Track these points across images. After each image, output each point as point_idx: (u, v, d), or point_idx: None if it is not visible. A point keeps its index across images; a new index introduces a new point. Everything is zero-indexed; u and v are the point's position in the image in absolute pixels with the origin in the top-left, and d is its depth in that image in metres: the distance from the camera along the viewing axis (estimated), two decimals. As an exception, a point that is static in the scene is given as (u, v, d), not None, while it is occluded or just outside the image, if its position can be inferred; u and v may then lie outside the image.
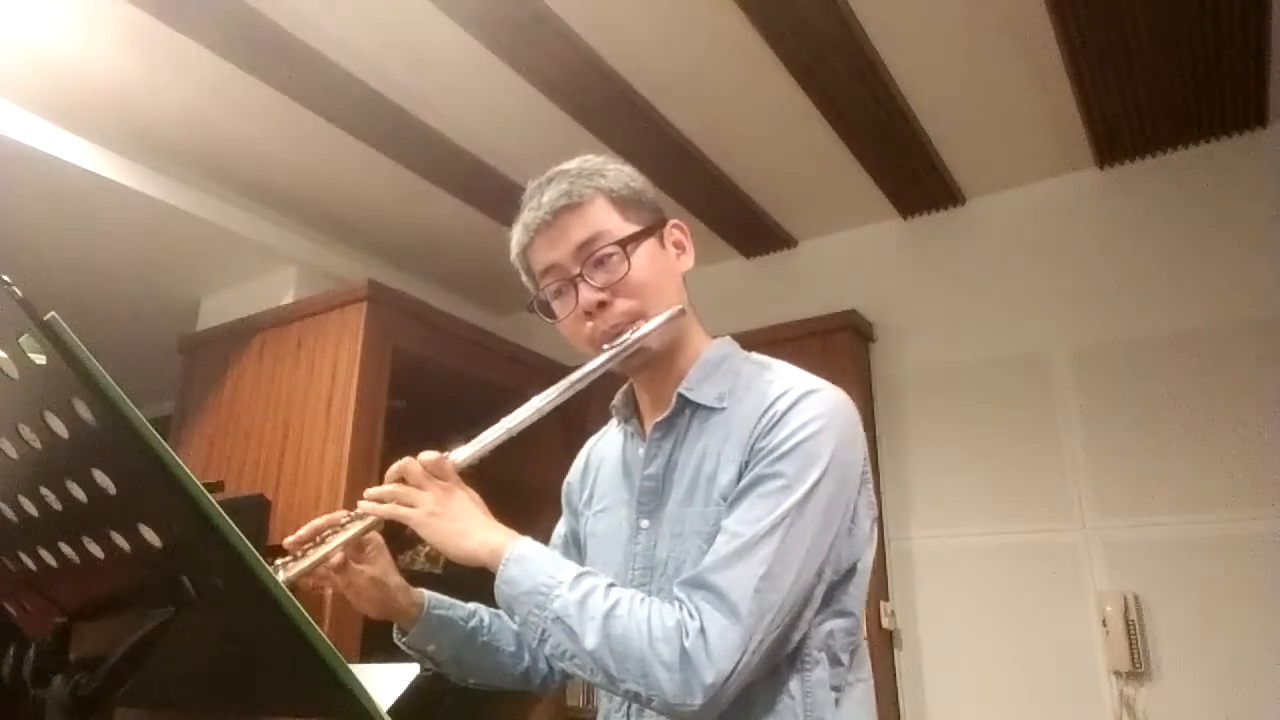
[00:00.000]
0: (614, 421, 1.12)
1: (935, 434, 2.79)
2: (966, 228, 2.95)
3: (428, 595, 1.07)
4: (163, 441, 0.50)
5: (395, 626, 1.07)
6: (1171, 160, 2.63)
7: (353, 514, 0.94)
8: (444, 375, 2.72)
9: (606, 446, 1.14)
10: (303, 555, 0.92)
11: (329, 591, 2.20)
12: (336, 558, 0.95)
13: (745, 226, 3.14)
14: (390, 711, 0.78)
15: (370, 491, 0.94)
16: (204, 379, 2.84)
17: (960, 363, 2.81)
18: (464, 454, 0.95)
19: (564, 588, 0.84)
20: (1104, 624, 2.34)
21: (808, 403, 0.91)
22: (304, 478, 2.37)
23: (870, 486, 0.97)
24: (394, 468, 0.94)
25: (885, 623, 2.63)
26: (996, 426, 2.69)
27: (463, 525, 0.91)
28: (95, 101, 2.35)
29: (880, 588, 2.68)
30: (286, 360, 2.60)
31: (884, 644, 2.63)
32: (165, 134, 2.52)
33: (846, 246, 3.18)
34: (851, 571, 0.93)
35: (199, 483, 0.50)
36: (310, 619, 0.52)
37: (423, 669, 1.00)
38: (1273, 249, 2.40)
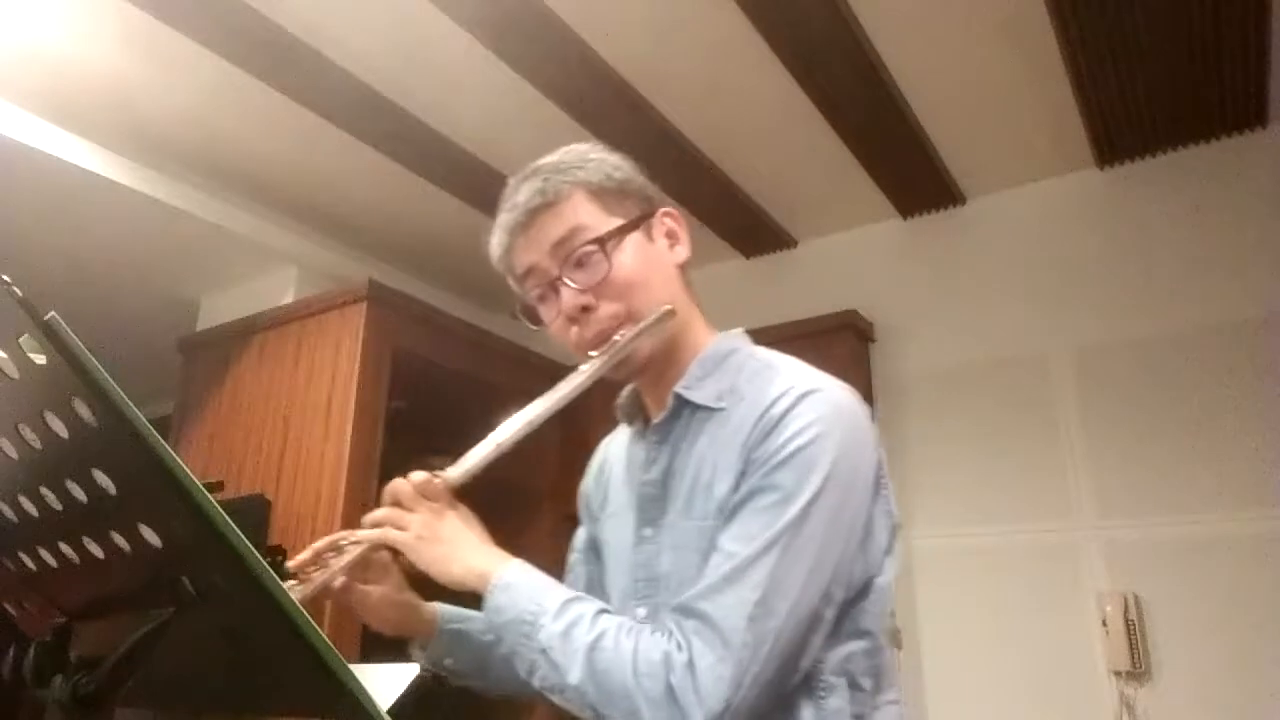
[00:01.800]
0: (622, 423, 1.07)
1: (935, 434, 2.79)
2: (966, 228, 2.95)
3: (441, 609, 1.04)
4: (163, 441, 0.49)
5: (412, 643, 1.04)
6: (1171, 160, 2.63)
7: (352, 536, 0.93)
8: (444, 376, 2.72)
9: (618, 447, 1.08)
10: (306, 578, 0.90)
11: (329, 591, 2.20)
12: (339, 581, 0.93)
13: (745, 226, 3.14)
14: (390, 711, 0.78)
15: (368, 517, 0.92)
16: (204, 379, 2.84)
17: (960, 363, 2.81)
18: (455, 472, 0.92)
19: (549, 617, 0.79)
20: (1104, 624, 2.34)
21: (807, 404, 0.82)
22: (304, 478, 2.37)
23: (889, 493, 0.88)
24: (387, 489, 0.91)
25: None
26: (997, 426, 2.69)
27: (450, 550, 0.87)
28: (95, 101, 2.35)
29: (880, 588, 2.68)
30: (286, 360, 2.60)
31: (884, 644, 2.63)
32: (165, 134, 2.52)
33: (846, 246, 3.18)
34: (868, 589, 0.84)
35: (199, 483, 0.50)
36: (310, 619, 0.52)
37: (430, 676, 1.00)
38: (1273, 249, 2.40)
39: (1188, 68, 2.23)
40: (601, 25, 2.13)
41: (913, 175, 2.79)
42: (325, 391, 2.44)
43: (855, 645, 0.83)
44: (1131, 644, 2.29)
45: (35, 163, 2.37)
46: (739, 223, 3.11)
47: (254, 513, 2.32)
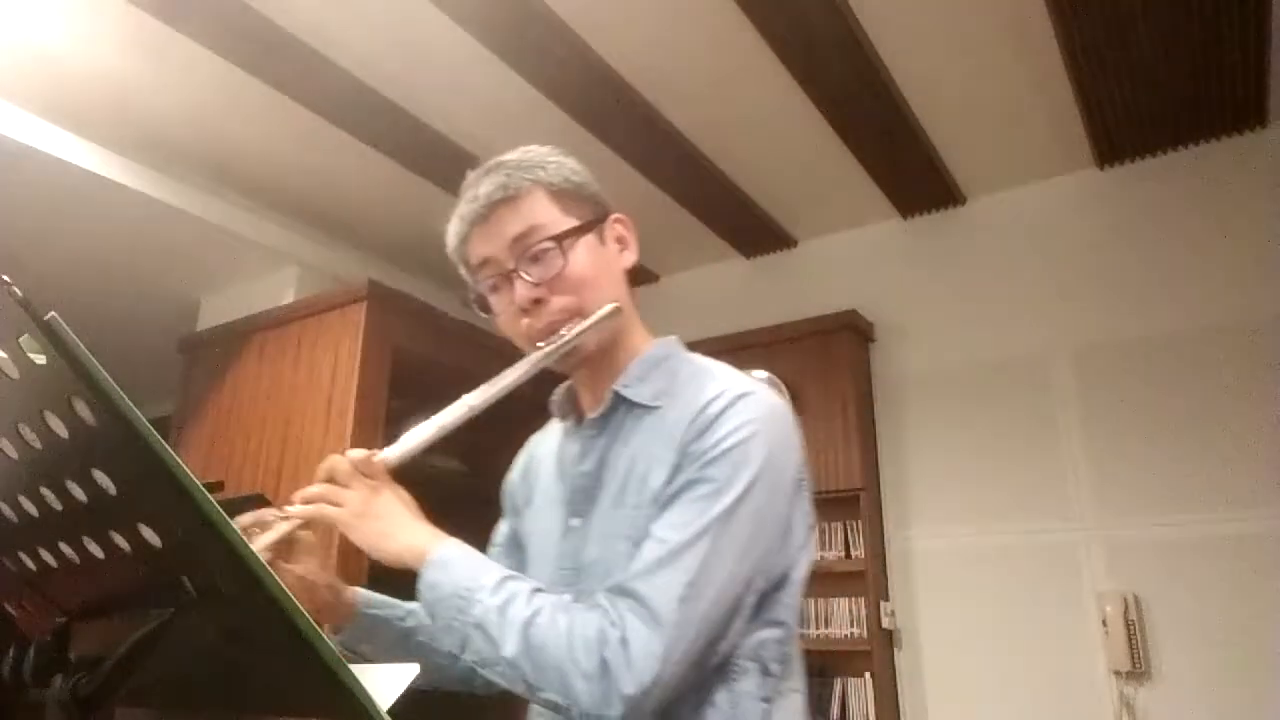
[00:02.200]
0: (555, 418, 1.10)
1: (935, 434, 2.79)
2: (966, 228, 2.95)
3: (362, 594, 1.05)
4: (163, 441, 0.49)
5: (328, 627, 1.03)
6: (1171, 160, 2.63)
7: (280, 514, 0.91)
8: (444, 375, 2.72)
9: (547, 444, 1.11)
10: None
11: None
12: (263, 559, 0.93)
13: (745, 226, 3.14)
14: (390, 711, 0.78)
15: (300, 493, 0.91)
16: (204, 379, 2.84)
17: (960, 363, 2.81)
18: (394, 452, 0.93)
19: (485, 593, 0.82)
20: (1104, 624, 2.34)
21: (741, 406, 0.88)
22: (304, 478, 2.35)
23: (807, 494, 0.93)
24: (323, 466, 0.92)
25: (885, 623, 2.63)
26: (997, 426, 2.69)
27: (387, 526, 0.89)
28: (95, 101, 2.35)
29: (880, 588, 2.68)
30: (286, 360, 2.60)
31: (884, 644, 2.63)
32: (165, 134, 2.52)
33: (846, 246, 3.18)
34: (785, 581, 0.89)
35: (199, 483, 0.50)
36: (310, 619, 0.52)
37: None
38: (1273, 249, 2.40)
39: (1188, 67, 2.24)
40: (602, 25, 2.13)
41: (913, 175, 2.79)
42: (325, 391, 2.44)
43: (769, 633, 0.88)
44: (1131, 644, 2.29)
45: (36, 163, 2.37)
46: (739, 223, 3.11)
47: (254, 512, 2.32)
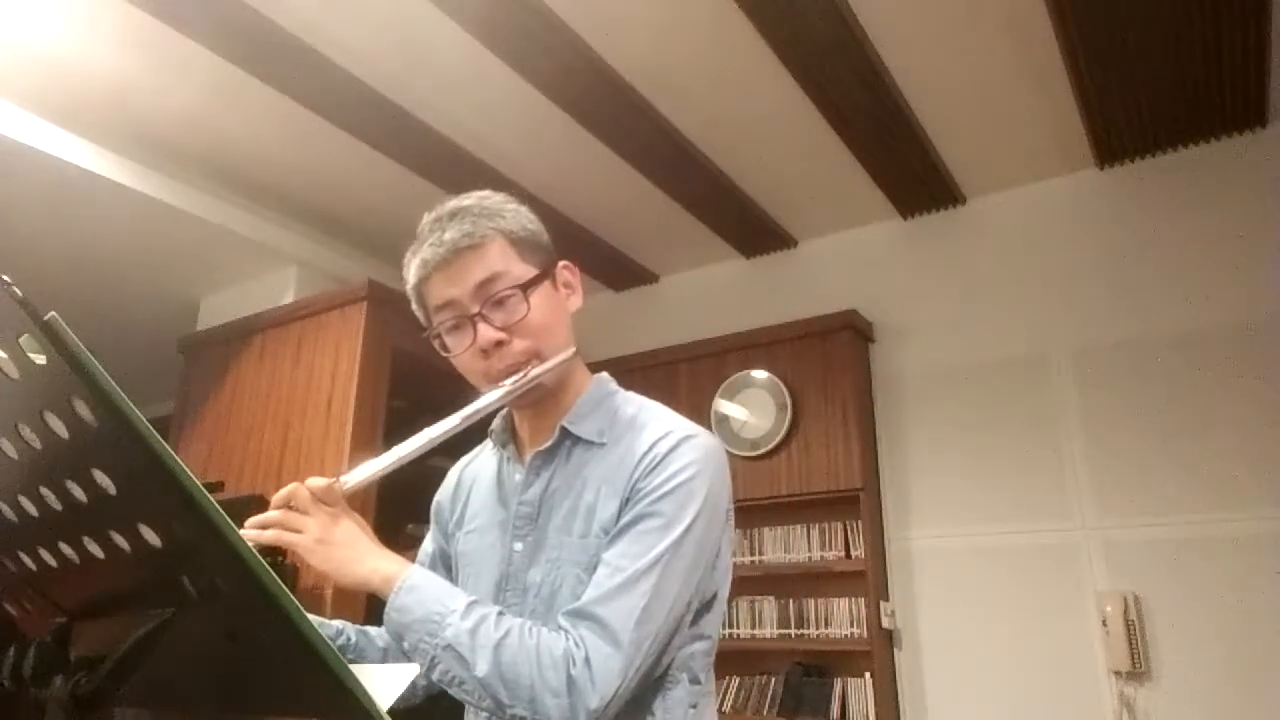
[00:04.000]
0: (487, 444, 1.16)
1: (935, 434, 2.79)
2: (966, 228, 2.95)
3: None
4: (163, 441, 0.49)
5: None
6: (1171, 160, 2.63)
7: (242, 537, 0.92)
8: (444, 375, 2.72)
9: (479, 468, 1.17)
10: None
11: (329, 591, 2.20)
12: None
13: (745, 226, 3.14)
14: (390, 711, 0.78)
15: (254, 519, 0.94)
16: (204, 379, 2.84)
17: (960, 363, 2.81)
18: (352, 480, 0.97)
19: (456, 616, 0.87)
20: (1104, 624, 2.34)
21: (685, 448, 0.96)
22: (304, 478, 2.37)
23: (732, 524, 1.02)
24: (280, 494, 0.95)
25: (885, 623, 2.63)
26: (997, 426, 2.69)
27: (353, 552, 0.92)
28: (95, 101, 2.35)
29: (880, 588, 2.68)
30: (286, 360, 2.60)
31: (884, 644, 2.63)
32: (165, 134, 2.52)
33: (846, 246, 3.18)
34: (713, 600, 0.98)
35: (199, 483, 0.50)
36: (310, 619, 0.52)
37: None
38: (1273, 249, 2.40)
39: (1188, 68, 2.24)
40: (602, 25, 2.13)
41: (913, 175, 2.79)
42: (325, 391, 2.44)
43: (698, 646, 0.97)
44: (1131, 644, 2.29)
45: (36, 163, 2.37)
46: (739, 223, 3.11)
47: (254, 513, 2.31)
